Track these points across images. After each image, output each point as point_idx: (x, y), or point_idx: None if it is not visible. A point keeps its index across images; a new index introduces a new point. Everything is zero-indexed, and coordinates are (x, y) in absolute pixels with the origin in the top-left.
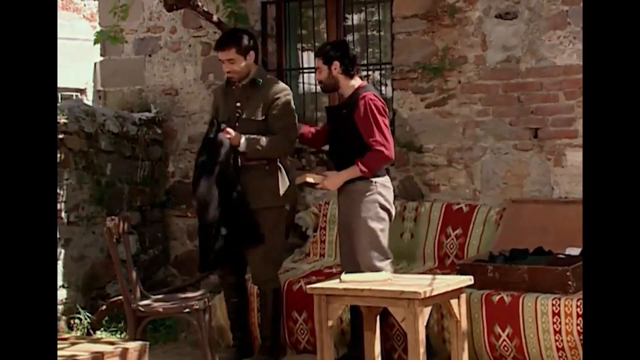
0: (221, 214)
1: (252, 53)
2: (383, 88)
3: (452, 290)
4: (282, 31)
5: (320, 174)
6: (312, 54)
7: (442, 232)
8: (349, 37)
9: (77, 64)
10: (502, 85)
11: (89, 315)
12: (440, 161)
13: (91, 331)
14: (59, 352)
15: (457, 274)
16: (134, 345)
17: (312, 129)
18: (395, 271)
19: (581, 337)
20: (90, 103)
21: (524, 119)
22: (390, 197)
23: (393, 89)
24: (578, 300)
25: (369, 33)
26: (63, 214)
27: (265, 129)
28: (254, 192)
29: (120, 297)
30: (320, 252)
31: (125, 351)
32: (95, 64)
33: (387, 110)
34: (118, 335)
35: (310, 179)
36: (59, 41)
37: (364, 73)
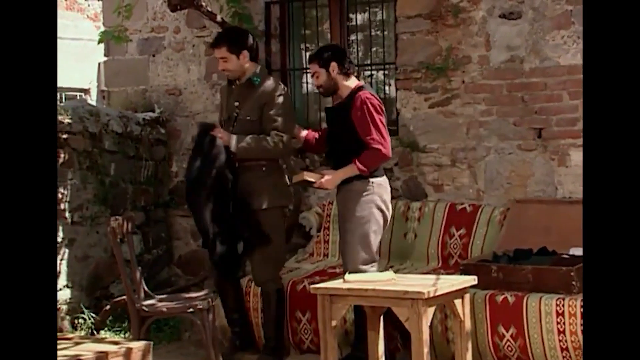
0: (220, 217)
1: (245, 52)
2: (386, 88)
3: (456, 291)
4: (286, 31)
5: (318, 172)
6: None
7: (446, 232)
8: (353, 37)
9: (81, 64)
10: (506, 85)
11: (93, 315)
12: (444, 161)
13: (95, 331)
14: (63, 352)
15: (460, 274)
16: (137, 345)
17: (316, 135)
18: (399, 271)
19: None
20: (94, 103)
21: (528, 119)
22: (387, 198)
23: (397, 89)
24: (582, 300)
25: (373, 33)
26: (67, 214)
27: (260, 129)
28: (251, 193)
29: (124, 297)
30: (324, 252)
31: (129, 351)
32: (99, 64)
33: (383, 108)
34: (122, 335)
35: (307, 178)
36: (63, 41)
37: (368, 73)
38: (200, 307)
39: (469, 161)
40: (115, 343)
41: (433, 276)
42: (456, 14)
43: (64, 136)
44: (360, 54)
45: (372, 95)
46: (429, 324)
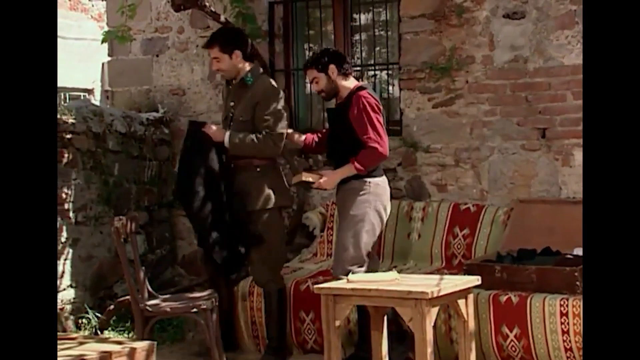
0: (219, 218)
1: (237, 52)
2: (390, 88)
3: (460, 291)
4: (290, 31)
5: (317, 173)
6: None
7: (450, 232)
8: (356, 37)
9: (84, 64)
10: (510, 85)
11: (97, 314)
12: (447, 161)
13: (99, 331)
14: (67, 352)
15: (464, 274)
16: (141, 345)
17: (315, 137)
18: (403, 271)
19: None
20: (97, 103)
21: (532, 118)
22: (385, 198)
23: (400, 89)
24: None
25: (376, 33)
26: (71, 214)
27: (253, 129)
28: (246, 194)
29: (128, 297)
30: (327, 252)
31: (132, 351)
32: (102, 64)
33: (381, 107)
34: (126, 335)
35: (306, 179)
36: (67, 41)
37: (371, 73)
38: (204, 307)
39: (472, 161)
40: (119, 343)
41: (437, 276)
42: (460, 14)
43: (68, 136)
44: (363, 54)
45: (370, 94)
46: (432, 324)
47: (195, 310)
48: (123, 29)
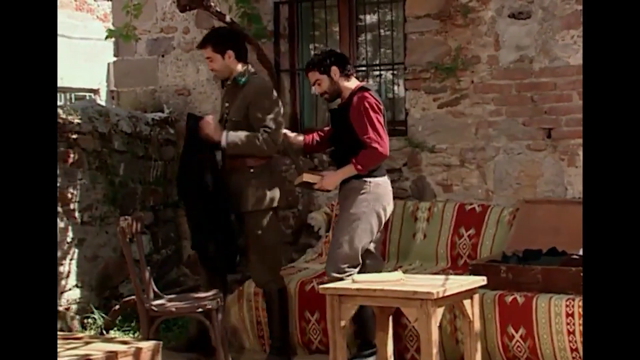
0: (216, 219)
1: (230, 52)
2: (395, 88)
3: (465, 291)
4: (295, 31)
5: (318, 173)
6: None
7: (455, 233)
8: (362, 37)
9: (90, 64)
10: (515, 85)
11: (103, 314)
12: (452, 161)
13: (104, 331)
14: (73, 352)
15: (470, 274)
16: (147, 345)
17: (316, 136)
18: (408, 271)
19: None
20: (103, 103)
21: (537, 119)
22: (386, 198)
23: (405, 89)
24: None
25: (382, 33)
26: (77, 214)
27: (248, 130)
28: (239, 195)
29: (134, 297)
30: None
31: (138, 351)
32: (108, 64)
33: (382, 107)
34: (131, 335)
35: (307, 179)
36: (72, 41)
37: (376, 73)
38: (209, 307)
39: (478, 161)
40: (125, 343)
41: (442, 276)
42: (465, 14)
43: (74, 136)
44: (369, 54)
45: (370, 94)
46: (438, 324)
47: (200, 310)
48: (128, 28)
